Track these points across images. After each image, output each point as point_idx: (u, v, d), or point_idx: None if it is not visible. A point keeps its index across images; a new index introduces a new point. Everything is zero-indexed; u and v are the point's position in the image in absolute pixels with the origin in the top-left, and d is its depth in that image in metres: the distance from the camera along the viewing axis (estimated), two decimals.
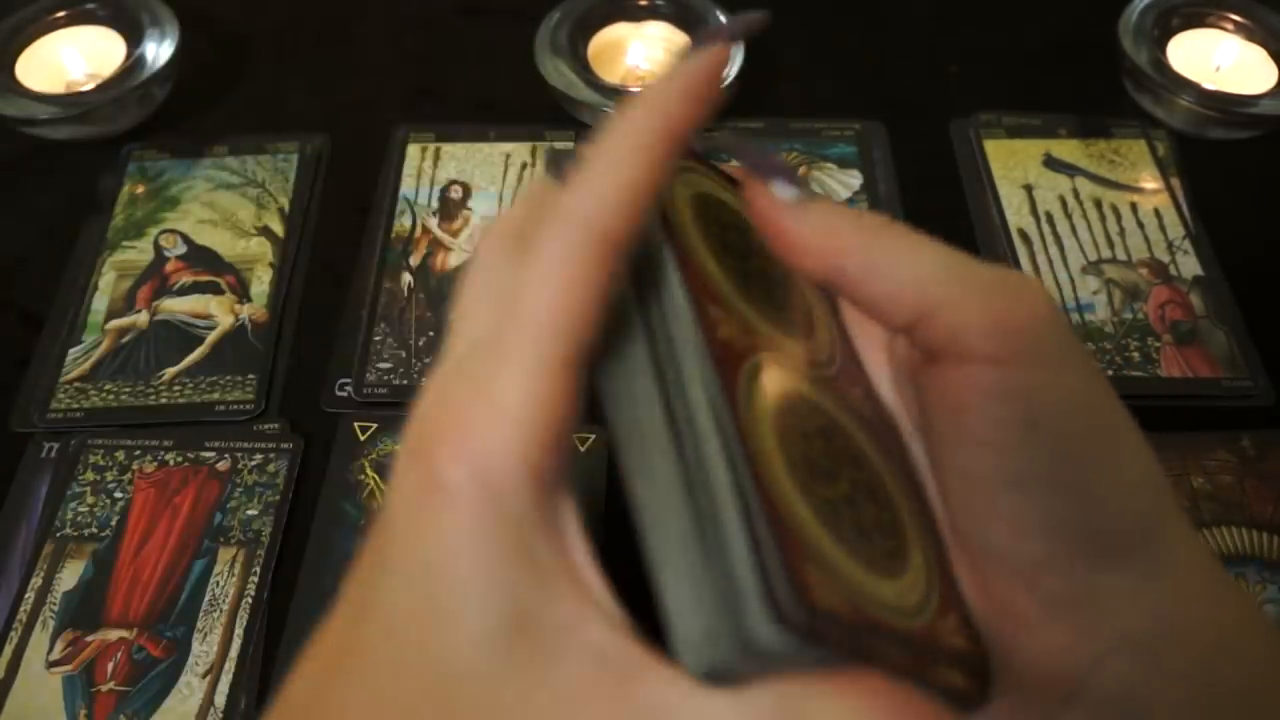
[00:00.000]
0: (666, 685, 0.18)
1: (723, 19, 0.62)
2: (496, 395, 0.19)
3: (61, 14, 0.63)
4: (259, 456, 0.49)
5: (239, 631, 0.44)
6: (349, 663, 0.19)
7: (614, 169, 0.20)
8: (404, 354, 0.52)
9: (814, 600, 0.18)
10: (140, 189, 0.60)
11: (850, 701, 0.18)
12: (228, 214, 0.58)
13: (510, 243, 0.21)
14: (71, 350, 0.53)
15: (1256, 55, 0.64)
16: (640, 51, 0.64)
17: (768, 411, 0.21)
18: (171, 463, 0.49)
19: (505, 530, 0.18)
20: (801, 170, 0.60)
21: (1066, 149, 0.61)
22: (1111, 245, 0.57)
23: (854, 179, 0.60)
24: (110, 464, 0.49)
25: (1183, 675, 0.22)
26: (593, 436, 0.48)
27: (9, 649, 0.43)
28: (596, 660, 0.18)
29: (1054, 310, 0.22)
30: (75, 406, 0.51)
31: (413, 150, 0.61)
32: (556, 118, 0.62)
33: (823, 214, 0.23)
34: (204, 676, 0.43)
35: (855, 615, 0.19)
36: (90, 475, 0.48)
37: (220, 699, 0.42)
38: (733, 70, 0.59)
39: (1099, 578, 0.22)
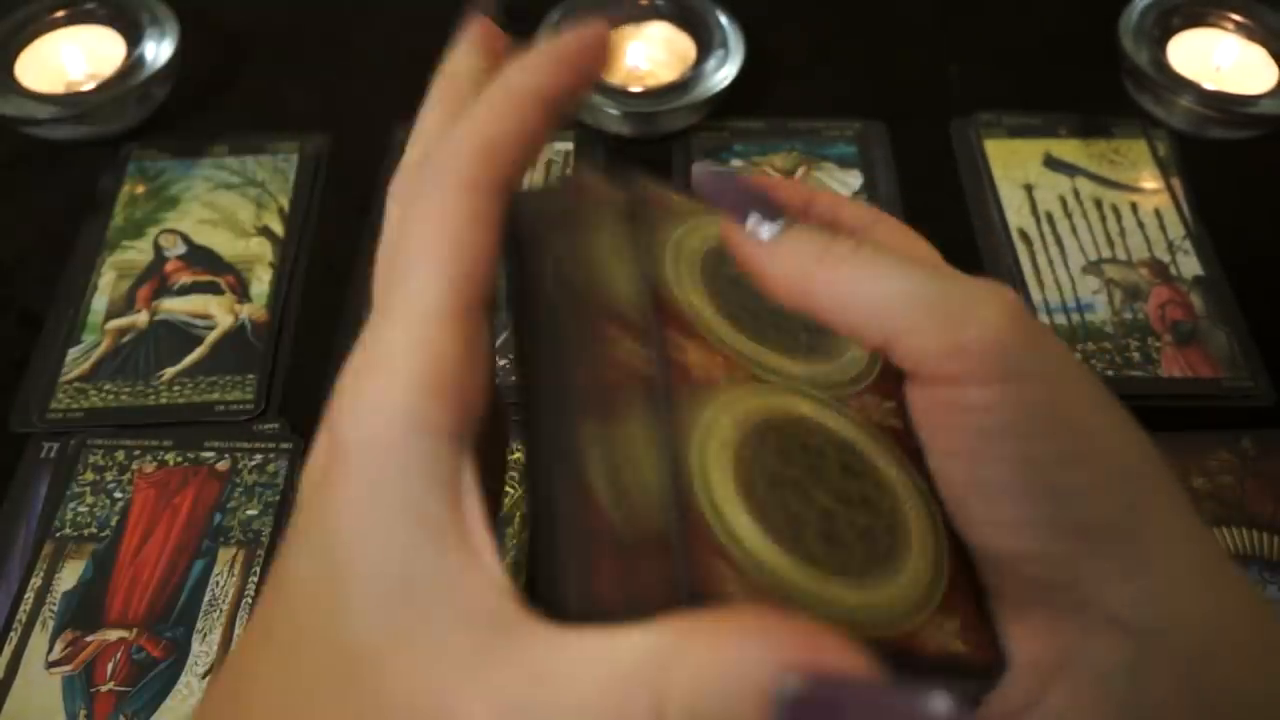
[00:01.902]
0: (544, 642, 0.17)
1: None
2: (383, 354, 0.19)
3: (61, 13, 0.63)
4: (259, 456, 0.49)
5: (239, 632, 0.44)
6: (265, 645, 0.19)
7: (480, 123, 0.21)
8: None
9: (710, 589, 0.19)
10: (140, 189, 0.60)
11: (733, 650, 0.17)
12: (228, 214, 0.58)
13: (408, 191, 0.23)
14: (71, 350, 0.53)
15: (1257, 55, 0.64)
16: (640, 51, 0.64)
17: (728, 436, 0.23)
18: (171, 463, 0.49)
19: (395, 488, 0.18)
20: (801, 170, 0.60)
21: (1067, 149, 0.61)
22: (1112, 245, 0.57)
23: (854, 179, 0.60)
24: (110, 464, 0.49)
25: (1172, 662, 0.23)
26: None
27: (9, 649, 0.43)
28: (476, 623, 0.18)
29: (1012, 326, 0.22)
30: (75, 406, 0.51)
31: None
32: None
33: (792, 249, 0.23)
34: (203, 677, 0.43)
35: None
36: (90, 475, 0.48)
37: None
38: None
39: (1081, 565, 0.23)
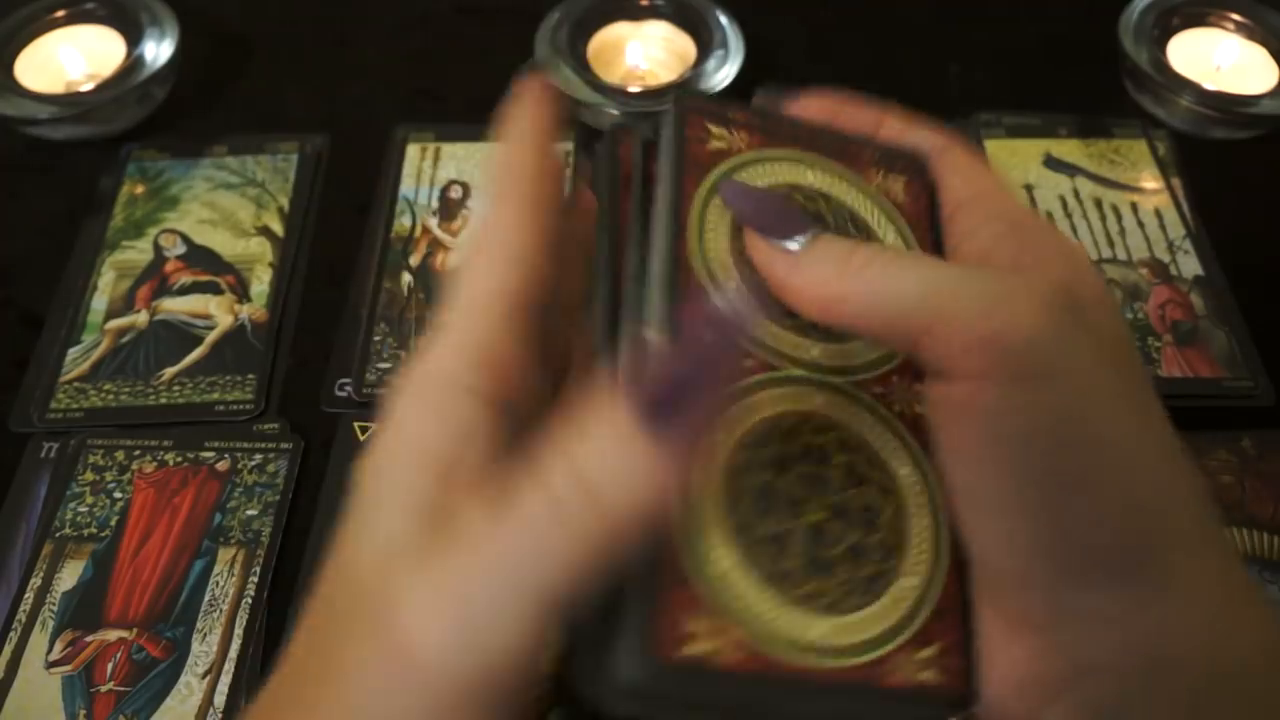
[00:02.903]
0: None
1: (723, 22, 0.62)
2: (439, 333, 0.23)
3: (61, 13, 0.63)
4: (259, 457, 0.49)
5: (239, 632, 0.44)
6: (330, 580, 0.23)
7: (523, 155, 0.25)
8: (404, 354, 0.52)
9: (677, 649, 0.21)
10: (140, 189, 0.60)
11: None
12: (227, 214, 0.58)
13: None
14: (71, 350, 0.53)
15: (1257, 55, 0.64)
16: (640, 51, 0.64)
17: (722, 452, 0.23)
18: (171, 463, 0.49)
19: (416, 433, 0.21)
20: None
21: (1067, 149, 0.61)
22: (1112, 245, 0.57)
23: None
24: (110, 464, 0.49)
25: (1172, 703, 0.22)
26: None
27: (8, 649, 0.43)
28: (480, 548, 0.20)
29: (1047, 320, 0.21)
30: (75, 406, 0.51)
31: (412, 150, 0.61)
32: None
33: (814, 264, 0.23)
34: (203, 677, 0.43)
35: (747, 659, 0.21)
36: (90, 475, 0.48)
37: (220, 699, 0.42)
38: (730, 73, 0.60)
39: (1082, 598, 0.22)
